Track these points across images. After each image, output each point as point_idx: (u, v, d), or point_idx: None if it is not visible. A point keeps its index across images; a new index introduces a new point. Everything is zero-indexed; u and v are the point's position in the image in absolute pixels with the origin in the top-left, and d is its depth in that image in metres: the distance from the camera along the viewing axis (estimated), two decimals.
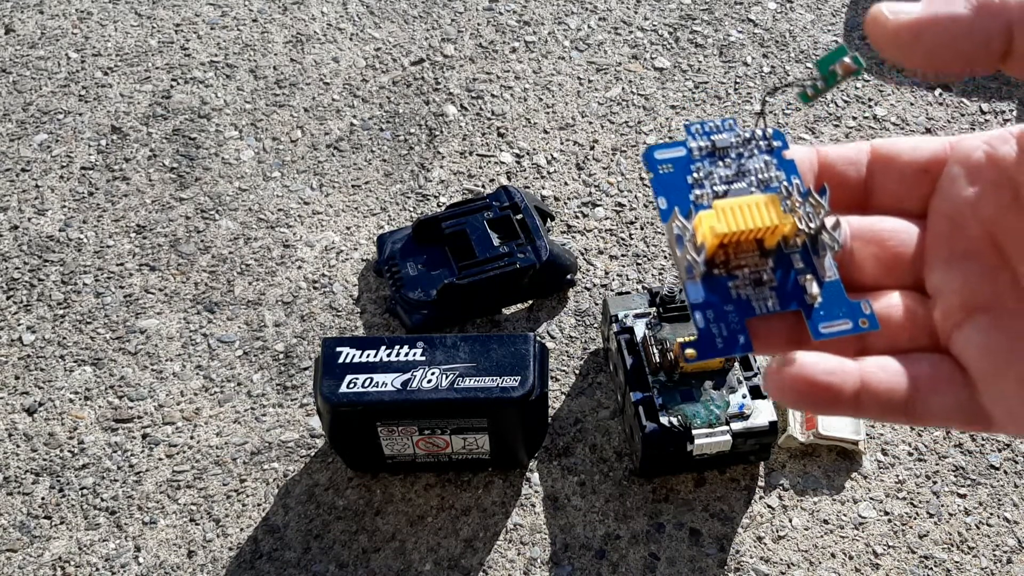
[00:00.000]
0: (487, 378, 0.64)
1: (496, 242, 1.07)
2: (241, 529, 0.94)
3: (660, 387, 0.92)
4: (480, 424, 0.69)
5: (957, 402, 0.26)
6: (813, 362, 0.26)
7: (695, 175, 0.31)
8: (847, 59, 0.29)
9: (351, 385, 0.64)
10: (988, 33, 0.25)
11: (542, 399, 0.83)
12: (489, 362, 0.67)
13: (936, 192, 0.30)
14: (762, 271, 0.29)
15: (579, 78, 1.34)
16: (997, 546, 0.94)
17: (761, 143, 0.31)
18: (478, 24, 1.40)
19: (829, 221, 0.29)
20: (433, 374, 0.62)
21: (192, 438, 1.00)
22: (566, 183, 1.22)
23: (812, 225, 0.29)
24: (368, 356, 0.67)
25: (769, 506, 0.96)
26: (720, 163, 0.31)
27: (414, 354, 0.65)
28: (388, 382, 0.63)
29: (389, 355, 0.65)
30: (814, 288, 0.29)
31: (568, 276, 1.10)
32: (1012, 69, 0.26)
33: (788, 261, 0.29)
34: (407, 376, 0.61)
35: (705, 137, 0.31)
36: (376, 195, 1.21)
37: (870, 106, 1.31)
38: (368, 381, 0.63)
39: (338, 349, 0.68)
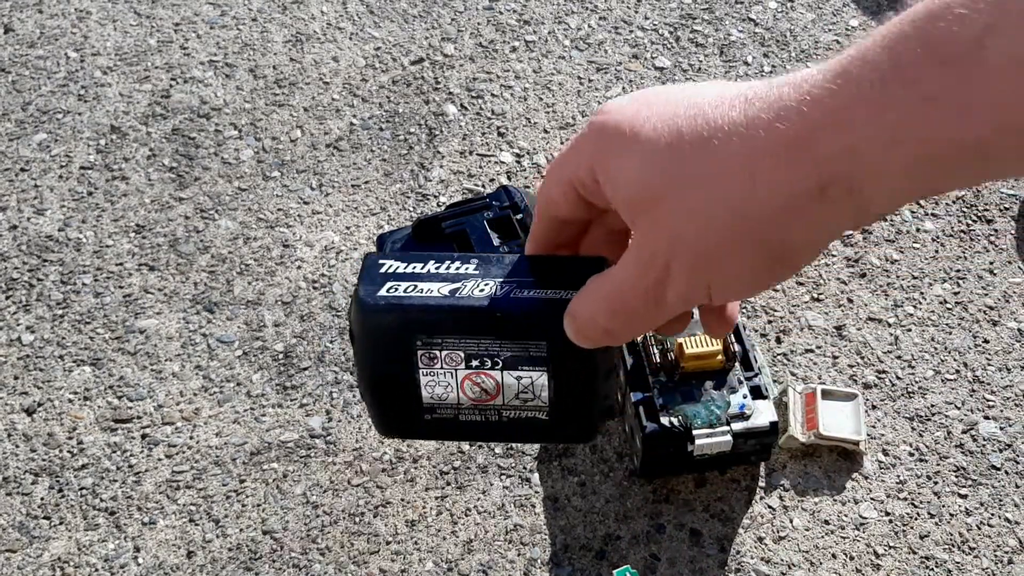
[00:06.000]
0: (550, 291, 0.55)
1: (496, 242, 1.07)
2: (240, 530, 0.94)
3: (660, 387, 0.92)
4: (538, 351, 0.59)
5: None
6: None
7: None
8: None
9: (391, 290, 0.56)
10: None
11: None
12: (553, 278, 0.58)
13: None
14: None
15: (579, 77, 1.33)
16: (998, 547, 0.94)
17: None
18: (478, 23, 1.40)
19: None
20: (487, 284, 0.54)
21: (191, 438, 1.00)
22: None
23: None
24: (414, 268, 0.59)
25: (770, 506, 0.96)
26: None
27: (466, 269, 0.57)
28: (435, 290, 0.55)
29: (438, 268, 0.57)
30: None
31: None
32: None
33: None
34: (456, 285, 0.54)
35: None
36: (376, 195, 1.20)
37: None
38: (412, 288, 0.55)
39: (381, 262, 0.59)
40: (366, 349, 0.59)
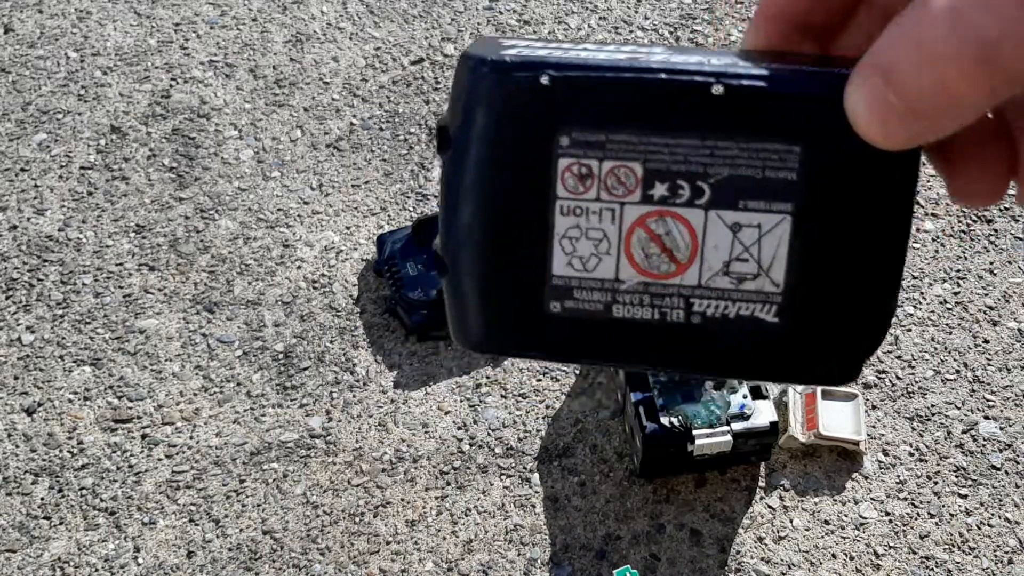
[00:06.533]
0: (804, 66, 0.29)
1: None
2: (240, 530, 0.94)
3: (661, 387, 0.92)
4: (782, 167, 0.30)
5: None
6: None
7: None
8: None
9: (525, 52, 0.31)
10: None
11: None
12: (788, 65, 0.31)
13: None
14: None
15: None
16: (998, 547, 0.94)
17: None
18: (478, 23, 1.40)
19: None
20: (688, 58, 0.30)
21: (191, 438, 1.00)
22: None
23: None
24: (559, 44, 0.25)
25: (770, 506, 0.96)
26: None
27: (648, 51, 0.26)
28: (600, 56, 0.31)
29: (601, 47, 0.26)
30: None
31: None
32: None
33: None
34: (636, 57, 0.30)
35: None
36: (376, 195, 1.20)
37: None
38: (560, 51, 0.30)
39: (502, 40, 0.27)
40: (470, 148, 0.33)
